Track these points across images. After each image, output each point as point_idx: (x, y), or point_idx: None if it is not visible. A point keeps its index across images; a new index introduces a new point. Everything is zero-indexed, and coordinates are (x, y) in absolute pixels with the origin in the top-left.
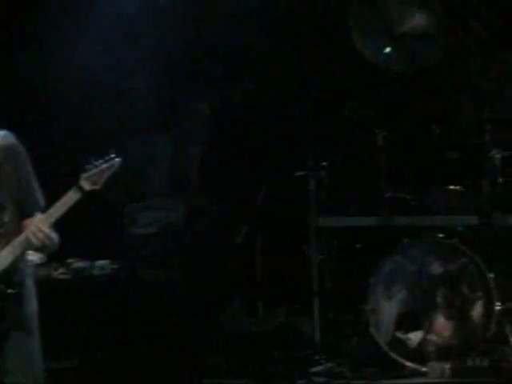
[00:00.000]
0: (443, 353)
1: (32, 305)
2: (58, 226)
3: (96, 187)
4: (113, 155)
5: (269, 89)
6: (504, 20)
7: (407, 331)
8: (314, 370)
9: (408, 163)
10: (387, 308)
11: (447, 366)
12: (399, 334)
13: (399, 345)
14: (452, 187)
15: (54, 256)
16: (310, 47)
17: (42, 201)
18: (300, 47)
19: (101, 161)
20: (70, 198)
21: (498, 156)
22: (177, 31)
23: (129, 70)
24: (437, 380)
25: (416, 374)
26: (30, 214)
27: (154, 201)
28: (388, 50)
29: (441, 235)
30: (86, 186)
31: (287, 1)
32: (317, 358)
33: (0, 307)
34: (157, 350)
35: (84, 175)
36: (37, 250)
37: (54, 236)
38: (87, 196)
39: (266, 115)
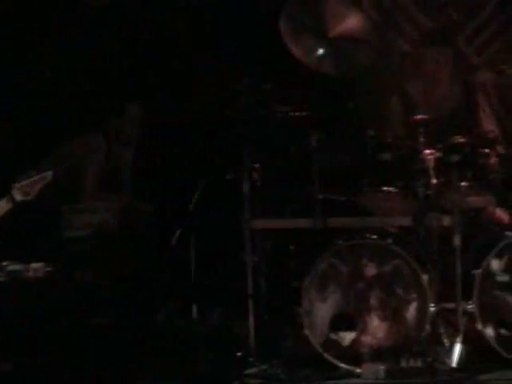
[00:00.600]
0: (377, 354)
1: None
2: None
3: (28, 198)
4: (46, 166)
5: (202, 92)
6: (433, 20)
7: (341, 332)
8: (249, 371)
9: (341, 165)
10: (321, 309)
11: (381, 367)
12: (333, 336)
13: (333, 346)
14: (385, 189)
15: None
16: (242, 48)
17: None
18: (232, 48)
19: (33, 171)
20: (1, 207)
21: (431, 158)
22: (112, 34)
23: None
24: (371, 381)
25: (350, 375)
26: None
27: (89, 203)
28: (321, 51)
29: (374, 237)
30: (18, 196)
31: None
32: (251, 359)
33: None
34: (91, 351)
35: (16, 185)
36: None
37: None
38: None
39: (200, 118)
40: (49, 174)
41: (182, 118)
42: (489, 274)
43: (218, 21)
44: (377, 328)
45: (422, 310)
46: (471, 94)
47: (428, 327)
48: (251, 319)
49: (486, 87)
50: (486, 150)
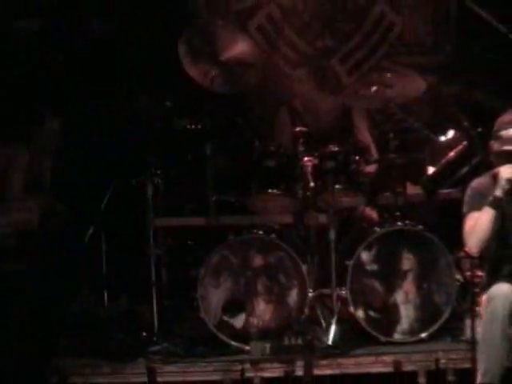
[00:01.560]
0: (263, 333)
1: None
2: None
3: None
4: None
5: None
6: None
7: (232, 315)
8: (152, 349)
9: (232, 170)
10: (215, 295)
11: (267, 344)
12: (225, 318)
13: (225, 327)
14: (270, 191)
15: None
16: (145, 70)
17: None
18: (137, 70)
19: None
20: None
21: (310, 164)
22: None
23: None
24: (258, 357)
25: (240, 351)
26: None
27: (13, 204)
28: (214, 73)
29: (261, 232)
30: None
31: (130, 28)
32: (155, 339)
33: None
34: (15, 334)
35: None
36: None
37: None
38: None
39: (111, 131)
40: None
41: (94, 131)
42: (359, 264)
43: (124, 47)
44: (263, 311)
45: (301, 295)
46: (347, 109)
47: (307, 310)
48: (154, 304)
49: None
50: (357, 158)
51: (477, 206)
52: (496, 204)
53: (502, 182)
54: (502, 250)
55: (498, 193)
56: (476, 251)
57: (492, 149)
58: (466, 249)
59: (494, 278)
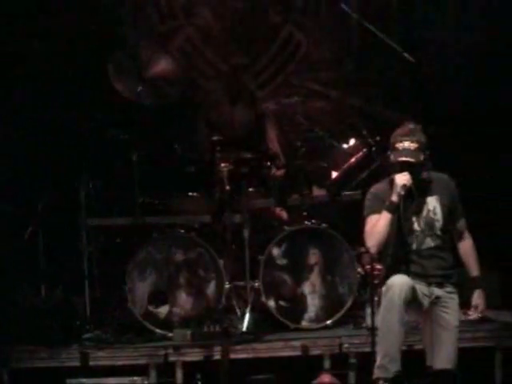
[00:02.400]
0: (185, 321)
1: None
2: None
3: None
4: None
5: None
6: (226, 63)
7: (157, 305)
8: (85, 336)
9: (156, 175)
10: (141, 287)
11: (188, 332)
12: (151, 308)
13: (151, 316)
14: (190, 193)
15: None
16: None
17: None
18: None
19: None
20: None
21: (226, 169)
22: None
23: None
24: (180, 343)
25: (164, 338)
26: None
27: None
28: (140, 88)
29: (182, 231)
30: None
31: (65, 48)
32: (87, 327)
33: None
34: None
35: None
36: None
37: None
38: None
39: (50, 139)
40: None
41: (34, 141)
42: (270, 259)
43: (60, 65)
44: (184, 301)
45: (219, 287)
46: (259, 120)
47: (224, 300)
48: (87, 295)
49: (270, 115)
50: (268, 163)
51: (376, 210)
52: (392, 208)
53: (398, 189)
54: (400, 249)
55: (394, 198)
56: (374, 251)
57: (389, 159)
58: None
59: (391, 272)
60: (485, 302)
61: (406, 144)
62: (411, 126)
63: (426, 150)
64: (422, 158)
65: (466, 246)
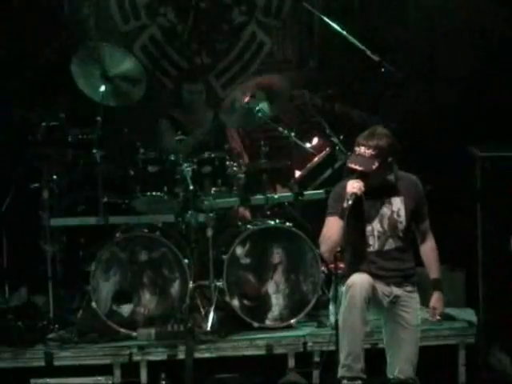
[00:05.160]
0: (149, 321)
1: None
2: None
3: None
4: None
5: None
6: (190, 63)
7: (121, 305)
8: (50, 336)
9: (119, 175)
10: (105, 287)
11: (152, 331)
12: (115, 307)
13: (115, 316)
14: (154, 193)
15: None
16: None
17: None
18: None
19: None
20: None
21: (189, 169)
22: None
23: None
24: (145, 342)
25: (128, 338)
26: None
27: None
28: (103, 89)
29: (146, 230)
30: None
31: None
32: (51, 327)
33: None
34: None
35: None
36: None
37: None
38: None
39: (11, 139)
40: None
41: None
42: (234, 259)
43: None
44: (148, 301)
45: (183, 286)
46: (221, 120)
47: (188, 300)
48: (51, 295)
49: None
50: (232, 163)
51: (335, 212)
52: (343, 214)
53: (347, 196)
54: (361, 249)
55: (345, 204)
56: (327, 256)
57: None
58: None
59: (352, 271)
60: (443, 305)
61: (362, 150)
62: (376, 130)
63: (387, 156)
64: (374, 166)
65: (428, 248)
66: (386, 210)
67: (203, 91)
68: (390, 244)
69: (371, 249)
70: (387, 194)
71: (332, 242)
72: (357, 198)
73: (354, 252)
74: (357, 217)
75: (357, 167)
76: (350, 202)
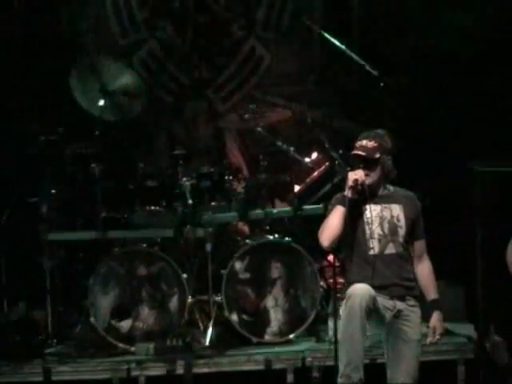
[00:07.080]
0: (148, 336)
1: None
2: None
3: None
4: None
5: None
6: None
7: (119, 320)
8: (48, 351)
9: (118, 189)
10: (104, 302)
11: (151, 346)
12: (113, 322)
13: (113, 330)
14: (152, 208)
15: None
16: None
17: None
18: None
19: None
20: None
21: (188, 183)
22: None
23: None
24: (143, 357)
25: (127, 352)
26: None
27: None
28: (101, 103)
29: (144, 245)
30: None
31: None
32: (50, 342)
33: None
34: None
35: None
36: None
37: None
38: None
39: (11, 153)
40: None
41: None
42: (233, 273)
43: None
44: (147, 316)
45: (182, 301)
46: (220, 135)
47: (187, 315)
48: (49, 310)
49: (231, 130)
50: (231, 178)
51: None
52: (345, 203)
53: (349, 183)
54: (361, 253)
55: (346, 193)
56: (327, 244)
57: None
58: (320, 242)
59: (354, 278)
60: (442, 325)
61: (364, 142)
62: (379, 131)
63: (387, 153)
64: (377, 156)
65: (425, 270)
66: (386, 214)
67: (206, 108)
68: (391, 248)
69: (372, 252)
70: (386, 200)
71: (332, 229)
72: (358, 190)
73: (354, 256)
74: (357, 217)
75: (360, 153)
76: (352, 184)
